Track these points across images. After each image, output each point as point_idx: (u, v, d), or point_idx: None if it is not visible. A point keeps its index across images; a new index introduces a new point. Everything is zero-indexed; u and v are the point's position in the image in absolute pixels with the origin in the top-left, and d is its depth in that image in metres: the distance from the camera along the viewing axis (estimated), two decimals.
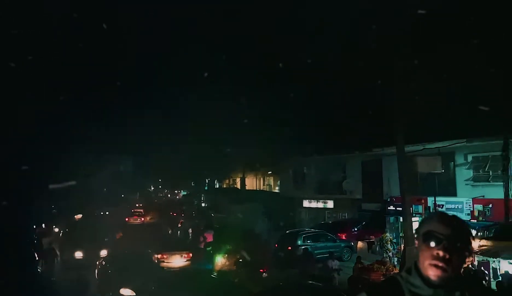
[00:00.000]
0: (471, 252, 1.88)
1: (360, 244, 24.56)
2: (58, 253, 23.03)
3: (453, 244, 1.78)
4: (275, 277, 17.19)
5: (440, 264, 1.78)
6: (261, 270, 17.57)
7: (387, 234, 22.97)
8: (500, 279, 13.87)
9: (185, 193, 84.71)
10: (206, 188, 71.53)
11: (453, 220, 1.88)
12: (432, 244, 1.80)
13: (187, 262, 20.19)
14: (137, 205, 63.26)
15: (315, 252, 22.25)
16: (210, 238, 24.62)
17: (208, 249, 23.21)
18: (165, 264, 19.23)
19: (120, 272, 14.80)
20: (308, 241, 22.76)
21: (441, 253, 1.78)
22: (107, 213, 48.17)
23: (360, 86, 22.90)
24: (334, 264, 17.00)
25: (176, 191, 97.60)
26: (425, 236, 1.84)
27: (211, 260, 20.90)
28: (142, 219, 51.34)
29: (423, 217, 22.70)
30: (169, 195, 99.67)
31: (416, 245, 1.90)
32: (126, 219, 49.13)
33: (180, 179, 79.53)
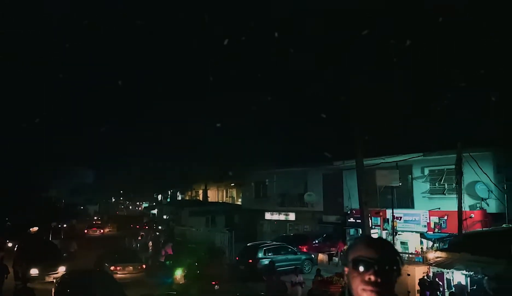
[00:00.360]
0: (399, 271, 1.86)
1: (321, 256, 24.72)
2: (10, 270, 19.83)
3: (383, 266, 1.78)
4: (227, 290, 17.16)
5: (373, 289, 1.76)
6: (213, 283, 17.67)
7: (347, 246, 23.25)
8: (453, 289, 14.22)
9: (146, 205, 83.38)
10: (168, 200, 70.62)
11: (380, 243, 1.90)
12: (362, 269, 1.79)
13: (140, 273, 20.87)
14: (96, 217, 61.82)
15: (276, 264, 22.24)
16: (170, 251, 24.26)
17: (167, 262, 22.94)
18: (118, 275, 19.36)
19: (81, 293, 13.96)
20: (269, 254, 22.72)
21: (372, 278, 1.76)
22: (65, 225, 46.75)
23: (321, 101, 23.26)
24: (298, 278, 17.00)
25: (137, 203, 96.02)
26: (355, 262, 1.82)
27: (170, 273, 20.57)
28: (102, 231, 50.27)
29: (382, 230, 23.15)
30: (130, 207, 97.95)
31: (346, 272, 1.88)
32: (85, 231, 47.98)
33: (142, 190, 78.40)
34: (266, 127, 33.19)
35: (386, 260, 1.79)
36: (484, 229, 20.26)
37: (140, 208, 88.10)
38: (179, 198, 67.86)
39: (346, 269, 1.88)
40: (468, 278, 14.81)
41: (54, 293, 15.35)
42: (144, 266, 21.76)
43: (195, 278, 18.53)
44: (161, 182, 64.94)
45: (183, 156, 51.78)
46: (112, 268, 20.25)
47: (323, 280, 16.88)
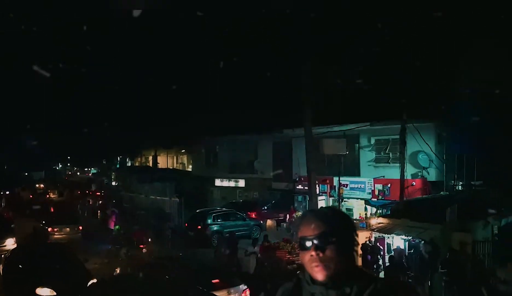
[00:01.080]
0: (352, 240, 1.85)
1: (269, 222, 25.14)
2: None
3: (325, 241, 1.75)
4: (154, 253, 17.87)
5: (318, 264, 1.76)
6: (141, 246, 18.71)
7: (296, 212, 23.81)
8: (392, 253, 14.90)
9: (95, 171, 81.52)
10: (117, 166, 69.33)
11: (321, 217, 1.83)
12: (306, 247, 1.78)
13: (76, 234, 21.93)
14: (41, 184, 59.92)
15: (225, 230, 22.48)
16: (116, 217, 24.01)
17: (116, 228, 22.75)
18: (55, 236, 20.66)
19: (36, 268, 12.16)
20: (218, 220, 22.91)
21: (314, 254, 1.75)
22: (7, 192, 44.98)
23: (271, 69, 23.19)
24: (250, 248, 17.16)
25: (86, 169, 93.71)
26: (300, 242, 1.83)
27: (117, 239, 20.43)
28: (47, 196, 48.85)
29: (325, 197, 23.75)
30: (78, 173, 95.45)
31: (300, 252, 1.88)
32: (30, 196, 46.45)
33: (90, 157, 76.44)
34: (218, 94, 32.89)
35: (329, 234, 1.77)
36: (423, 196, 21.24)
37: (88, 174, 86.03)
38: (129, 164, 66.77)
39: (297, 246, 1.95)
40: (407, 243, 15.56)
41: (1, 270, 13.22)
42: (80, 227, 22.74)
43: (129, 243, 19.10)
44: (110, 148, 63.50)
45: (133, 121, 50.79)
46: (49, 229, 21.11)
47: (270, 246, 17.20)
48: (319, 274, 1.76)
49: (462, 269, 12.48)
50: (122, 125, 53.06)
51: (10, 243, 17.82)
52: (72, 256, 13.70)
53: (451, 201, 16.80)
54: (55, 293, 11.11)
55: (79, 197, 41.41)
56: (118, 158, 71.24)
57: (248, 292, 11.14)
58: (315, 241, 1.76)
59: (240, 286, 11.12)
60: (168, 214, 27.36)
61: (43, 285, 11.33)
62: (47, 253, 13.71)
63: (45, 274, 11.79)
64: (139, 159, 61.43)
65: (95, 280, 12.05)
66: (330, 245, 1.75)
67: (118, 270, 14.12)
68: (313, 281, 1.80)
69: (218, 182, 34.15)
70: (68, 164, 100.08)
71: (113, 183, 54.19)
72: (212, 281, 10.95)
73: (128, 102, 52.93)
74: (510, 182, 18.53)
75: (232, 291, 10.83)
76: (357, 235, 1.89)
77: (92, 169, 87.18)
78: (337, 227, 1.80)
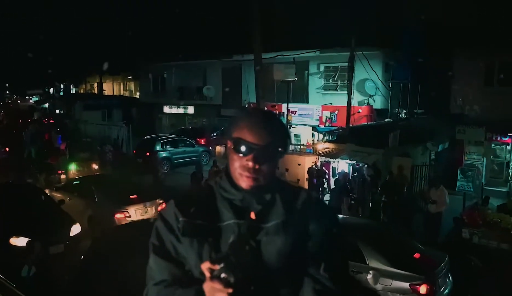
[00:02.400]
0: (283, 154, 1.70)
1: (218, 148, 25.21)
2: None
3: (266, 152, 1.61)
4: None
5: (251, 175, 1.62)
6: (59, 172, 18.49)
7: None
8: (337, 177, 15.45)
9: (37, 99, 77.86)
10: (61, 94, 66.50)
11: (268, 125, 1.66)
12: (242, 152, 1.61)
13: None
14: None
15: (173, 157, 22.46)
16: (63, 146, 23.30)
17: (62, 157, 22.28)
18: None
19: (5, 214, 10.48)
20: (167, 146, 22.76)
21: (250, 164, 1.60)
22: None
23: None
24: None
25: (27, 97, 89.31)
26: (235, 143, 1.63)
27: (65, 168, 20.05)
28: None
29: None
30: (19, 101, 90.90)
31: (228, 146, 1.69)
32: None
33: (32, 83, 72.67)
34: (164, 17, 31.56)
35: (270, 145, 1.62)
36: (369, 123, 21.89)
37: (30, 103, 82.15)
38: (73, 91, 64.15)
39: (228, 142, 1.69)
40: (351, 167, 16.16)
41: None
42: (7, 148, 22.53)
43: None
44: (52, 74, 60.45)
45: (76, 45, 48.22)
46: None
47: (219, 171, 17.35)
48: (245, 183, 1.64)
49: (399, 191, 13.16)
50: (65, 50, 50.36)
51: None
52: (47, 198, 11.99)
53: (394, 128, 17.42)
54: (29, 239, 9.15)
55: (22, 125, 39.61)
56: (61, 85, 68.18)
57: (165, 205, 10.99)
58: (256, 152, 1.60)
59: (157, 200, 12.42)
60: (116, 140, 26.85)
61: (17, 234, 9.67)
62: (17, 196, 11.75)
63: (18, 220, 10.19)
64: (83, 86, 59.08)
65: (78, 226, 10.74)
66: (270, 156, 1.64)
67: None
68: (234, 186, 1.68)
69: (166, 109, 33.58)
70: (7, 92, 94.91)
71: (57, 111, 52.11)
72: (130, 196, 12.21)
73: (70, 24, 49.91)
74: (448, 110, 19.40)
75: (148, 204, 12.13)
76: (287, 149, 1.77)
77: (34, 96, 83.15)
78: (279, 140, 1.67)
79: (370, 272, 7.41)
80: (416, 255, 7.89)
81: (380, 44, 21.64)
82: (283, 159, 1.74)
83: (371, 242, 7.88)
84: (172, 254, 1.69)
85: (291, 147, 21.66)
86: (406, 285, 7.14)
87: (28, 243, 8.76)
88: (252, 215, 1.64)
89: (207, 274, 1.42)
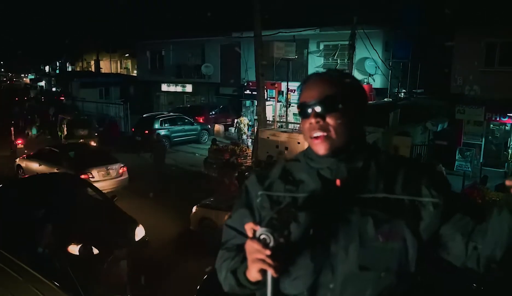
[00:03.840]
0: (358, 107, 1.57)
1: (217, 126, 25.20)
2: None
3: (328, 107, 1.51)
4: None
5: (318, 133, 1.52)
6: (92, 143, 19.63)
7: (242, 117, 23.91)
8: None
9: (32, 77, 77.21)
10: (57, 72, 65.91)
11: (326, 78, 1.58)
12: (306, 115, 1.55)
13: None
14: None
15: (172, 135, 22.42)
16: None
17: (59, 133, 22.33)
18: None
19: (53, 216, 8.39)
20: (166, 125, 22.70)
21: (313, 121, 1.52)
22: None
23: None
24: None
25: (22, 75, 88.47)
26: (300, 109, 1.58)
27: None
28: None
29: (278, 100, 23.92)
30: (14, 80, 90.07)
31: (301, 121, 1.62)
32: None
33: (27, 61, 71.95)
34: None
35: (330, 97, 1.52)
36: (369, 102, 21.84)
37: (25, 80, 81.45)
38: (69, 69, 63.57)
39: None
40: None
41: None
42: None
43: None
44: (48, 51, 59.85)
45: (72, 21, 47.64)
46: None
47: (218, 149, 17.41)
48: (319, 146, 1.53)
49: None
50: (61, 26, 49.74)
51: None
52: (100, 194, 10.48)
53: (394, 107, 17.41)
54: (97, 251, 7.53)
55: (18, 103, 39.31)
56: (58, 63, 67.55)
57: (125, 168, 14.27)
58: (315, 107, 1.52)
59: (117, 164, 14.17)
60: (113, 118, 26.78)
61: (76, 241, 7.71)
62: (59, 189, 10.03)
63: (73, 224, 8.23)
64: (80, 64, 58.51)
65: (142, 229, 9.09)
66: (333, 112, 1.51)
67: None
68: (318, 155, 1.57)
69: (164, 87, 33.39)
70: (2, 69, 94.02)
71: (53, 89, 51.74)
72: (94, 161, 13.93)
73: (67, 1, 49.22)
74: (448, 90, 19.36)
75: (109, 167, 13.84)
76: (366, 103, 1.66)
77: (30, 74, 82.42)
78: (343, 90, 1.55)
79: None
80: None
81: (381, 23, 21.46)
82: (359, 113, 1.59)
83: None
84: (245, 222, 1.55)
85: (290, 125, 21.68)
86: None
87: (80, 248, 7.33)
88: (338, 182, 1.55)
89: (249, 234, 1.40)
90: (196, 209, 10.44)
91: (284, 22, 22.62)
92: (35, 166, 14.35)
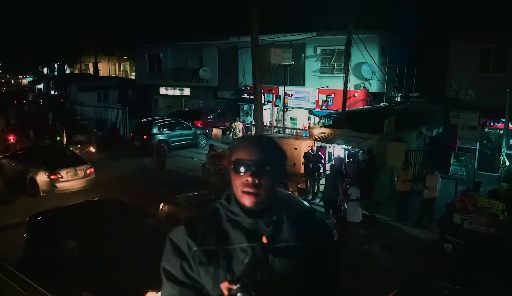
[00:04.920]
0: (283, 171, 1.88)
1: (215, 131, 25.35)
2: None
3: (261, 167, 1.74)
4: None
5: (251, 190, 1.74)
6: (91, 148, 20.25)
7: (237, 122, 24.10)
8: (333, 162, 15.64)
9: (31, 79, 77.17)
10: (55, 74, 65.94)
11: (260, 143, 1.83)
12: (241, 171, 1.75)
13: None
14: None
15: (171, 139, 22.56)
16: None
17: (58, 138, 22.33)
18: None
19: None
20: (164, 129, 22.84)
21: (250, 180, 1.73)
22: None
23: None
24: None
25: (20, 77, 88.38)
26: (235, 164, 1.77)
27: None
28: None
29: (274, 105, 24.09)
30: (12, 82, 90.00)
31: (230, 170, 1.82)
32: None
33: (25, 63, 71.91)
34: None
35: (265, 161, 1.75)
36: (364, 107, 22.04)
37: (23, 82, 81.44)
38: (68, 71, 63.61)
39: (230, 168, 1.82)
40: (346, 152, 16.36)
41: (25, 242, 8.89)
42: None
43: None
44: (47, 53, 59.86)
45: (71, 22, 47.65)
46: None
47: (216, 155, 17.55)
48: (248, 200, 1.75)
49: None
50: (60, 28, 49.79)
51: None
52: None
53: (389, 112, 17.57)
54: None
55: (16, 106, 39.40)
56: (56, 65, 67.56)
57: (93, 169, 15.58)
58: (253, 167, 1.74)
59: (85, 165, 15.56)
60: (112, 122, 26.90)
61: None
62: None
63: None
64: (78, 66, 58.58)
65: None
66: (268, 172, 1.75)
67: None
68: (243, 210, 1.78)
69: (163, 90, 33.54)
70: (0, 71, 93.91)
71: (52, 92, 51.80)
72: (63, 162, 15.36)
73: (65, 2, 49.23)
74: (443, 94, 19.56)
75: (77, 168, 15.20)
76: (285, 168, 1.95)
77: (28, 76, 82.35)
78: (274, 156, 1.81)
79: None
80: None
81: (377, 28, 21.64)
82: (281, 175, 1.87)
83: None
84: (185, 279, 1.77)
85: (287, 131, 21.83)
86: None
87: None
88: (264, 239, 1.73)
89: (225, 293, 1.56)
90: (162, 206, 11.56)
91: (281, 27, 22.81)
92: (9, 165, 16.11)
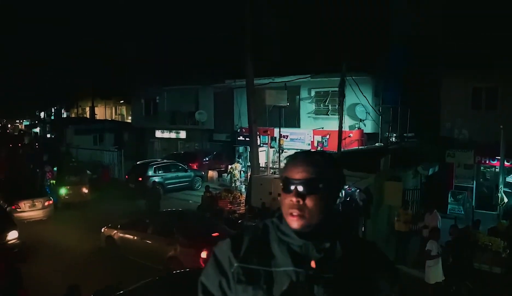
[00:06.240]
0: (335, 192, 1.71)
1: (211, 173, 25.30)
2: None
3: (310, 187, 1.61)
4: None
5: (296, 212, 1.61)
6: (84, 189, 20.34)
7: (236, 163, 24.06)
8: None
9: (27, 123, 77.60)
10: (52, 118, 66.35)
11: (312, 160, 1.67)
12: (288, 191, 1.63)
13: None
14: None
15: (166, 182, 22.43)
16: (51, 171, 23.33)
17: (52, 182, 22.21)
18: None
19: None
20: (159, 172, 22.76)
21: (294, 200, 1.61)
22: None
23: (213, 19, 22.73)
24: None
25: (17, 121, 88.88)
26: (283, 182, 1.66)
27: (55, 192, 20.03)
28: None
29: (269, 147, 24.13)
30: (9, 125, 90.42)
31: (281, 193, 1.70)
32: None
33: (22, 107, 72.42)
34: (157, 43, 31.85)
35: (314, 181, 1.62)
36: (360, 147, 22.10)
37: (20, 126, 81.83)
38: (64, 115, 64.04)
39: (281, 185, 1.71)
40: (343, 191, 16.25)
41: None
42: None
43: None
44: (44, 98, 60.41)
45: (68, 68, 48.33)
46: None
47: (212, 196, 17.42)
48: (294, 222, 1.62)
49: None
50: (56, 74, 50.45)
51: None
52: None
53: (385, 152, 17.61)
54: None
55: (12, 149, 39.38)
56: (53, 109, 68.08)
57: (51, 202, 17.28)
58: (299, 187, 1.62)
59: (44, 197, 17.26)
60: (106, 165, 26.83)
61: None
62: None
63: None
64: (75, 110, 59.03)
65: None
66: (313, 194, 1.62)
67: None
68: (295, 231, 1.65)
69: (158, 133, 33.64)
70: None
71: (48, 135, 51.97)
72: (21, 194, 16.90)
73: (63, 49, 50.08)
74: (438, 133, 19.69)
75: (35, 200, 16.75)
76: (341, 185, 1.77)
77: (25, 120, 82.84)
78: (326, 176, 1.64)
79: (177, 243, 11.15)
80: (215, 234, 11.17)
81: (370, 70, 22.00)
82: (335, 197, 1.72)
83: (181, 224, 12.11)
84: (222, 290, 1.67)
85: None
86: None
87: None
88: (313, 264, 1.60)
89: None
90: (103, 230, 13.55)
91: (276, 70, 23.18)
92: None
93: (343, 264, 1.63)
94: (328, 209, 1.67)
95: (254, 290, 1.60)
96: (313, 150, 1.85)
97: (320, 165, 1.65)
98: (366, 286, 1.63)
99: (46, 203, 17.10)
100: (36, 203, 16.80)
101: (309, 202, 1.61)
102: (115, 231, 13.11)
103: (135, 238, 12.47)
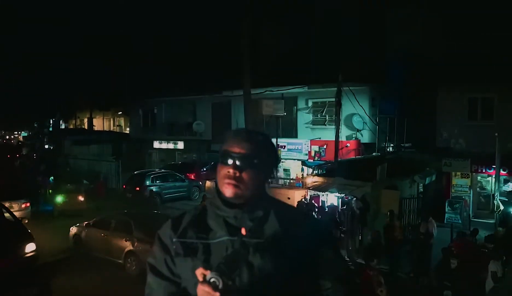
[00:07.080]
0: (269, 170, 1.84)
1: (208, 183, 25.21)
2: None
3: (247, 162, 1.73)
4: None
5: (231, 182, 1.72)
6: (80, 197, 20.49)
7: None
8: (326, 210, 15.56)
9: (25, 135, 77.55)
10: (50, 129, 66.33)
11: (251, 137, 1.80)
12: (226, 163, 1.74)
13: None
14: None
15: (163, 192, 22.43)
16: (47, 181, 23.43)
17: (49, 192, 22.31)
18: None
19: None
20: (157, 181, 22.76)
21: (231, 171, 1.72)
22: None
23: (211, 31, 22.93)
24: None
25: (15, 132, 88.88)
26: (222, 154, 1.78)
27: (51, 201, 20.11)
28: None
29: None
30: (7, 137, 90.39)
31: (218, 164, 1.81)
32: None
33: (20, 118, 72.47)
34: (155, 55, 32.08)
35: (252, 156, 1.75)
36: (357, 157, 22.17)
37: (18, 137, 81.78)
38: (62, 126, 64.02)
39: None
40: (340, 200, 16.29)
41: None
42: None
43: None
44: (42, 109, 60.47)
45: (66, 80, 48.52)
46: None
47: None
48: (229, 190, 1.73)
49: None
50: (55, 85, 50.64)
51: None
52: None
53: (381, 161, 17.68)
54: None
55: (10, 160, 39.39)
56: (51, 120, 68.08)
57: (28, 204, 17.81)
58: (237, 160, 1.73)
59: (21, 200, 17.55)
60: (103, 177, 26.83)
61: None
62: None
63: None
64: (73, 121, 59.05)
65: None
66: (252, 167, 1.74)
67: None
68: (226, 204, 1.77)
69: (156, 144, 33.66)
70: None
71: (46, 146, 51.90)
72: None
73: (61, 61, 50.34)
74: (434, 144, 19.79)
75: (13, 202, 16.65)
76: (276, 166, 1.91)
77: (23, 132, 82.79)
78: (263, 154, 1.78)
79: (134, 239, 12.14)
80: None
81: (367, 80, 22.15)
82: (268, 174, 1.85)
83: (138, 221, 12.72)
84: (167, 273, 1.78)
85: (280, 181, 21.79)
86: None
87: None
88: (243, 231, 1.70)
89: (200, 278, 1.52)
90: (72, 229, 14.48)
91: (273, 80, 23.32)
92: None
93: (275, 230, 1.73)
94: (261, 184, 1.82)
95: (193, 261, 1.71)
96: (253, 130, 1.94)
97: (259, 144, 1.79)
98: (301, 249, 1.71)
99: (23, 205, 17.55)
100: (14, 205, 16.75)
101: (244, 175, 1.73)
102: (82, 230, 14.14)
103: (99, 235, 13.54)
